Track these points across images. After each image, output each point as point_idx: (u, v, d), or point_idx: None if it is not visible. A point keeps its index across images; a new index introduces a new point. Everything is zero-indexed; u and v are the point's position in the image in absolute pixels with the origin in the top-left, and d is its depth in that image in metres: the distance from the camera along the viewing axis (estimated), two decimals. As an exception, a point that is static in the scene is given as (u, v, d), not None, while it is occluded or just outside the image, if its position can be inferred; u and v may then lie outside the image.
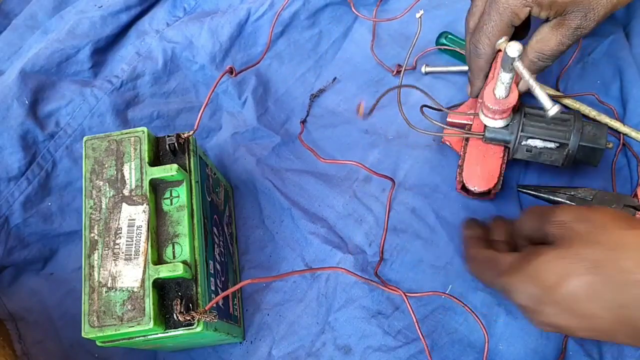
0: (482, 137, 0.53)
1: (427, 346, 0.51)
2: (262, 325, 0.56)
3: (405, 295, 0.52)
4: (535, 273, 0.40)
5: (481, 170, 0.53)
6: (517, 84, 0.51)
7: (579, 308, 0.38)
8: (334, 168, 0.61)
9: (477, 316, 0.52)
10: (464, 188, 0.54)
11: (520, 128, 0.51)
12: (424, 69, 0.64)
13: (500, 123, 0.51)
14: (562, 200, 0.52)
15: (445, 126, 0.54)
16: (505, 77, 0.46)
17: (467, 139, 0.55)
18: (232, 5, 0.68)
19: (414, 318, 0.51)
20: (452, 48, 0.64)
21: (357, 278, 0.55)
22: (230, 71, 0.52)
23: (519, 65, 0.45)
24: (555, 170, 0.58)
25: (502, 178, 0.53)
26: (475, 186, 0.53)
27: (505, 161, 0.53)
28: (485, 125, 0.52)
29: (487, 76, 0.53)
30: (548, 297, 0.39)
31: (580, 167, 0.58)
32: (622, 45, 0.61)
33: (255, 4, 0.66)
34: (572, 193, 0.52)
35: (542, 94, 0.45)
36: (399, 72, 0.64)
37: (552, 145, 0.51)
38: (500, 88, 0.48)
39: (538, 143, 0.51)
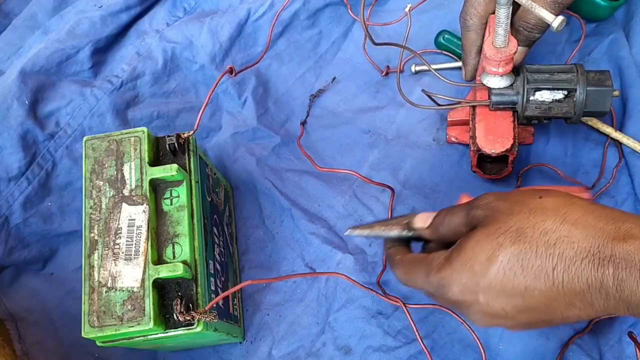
0: (488, 104, 0.52)
1: (426, 349, 0.51)
2: (262, 325, 0.56)
3: (405, 306, 0.52)
4: (466, 258, 0.38)
5: (494, 135, 0.52)
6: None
7: (512, 285, 0.37)
8: (334, 168, 0.61)
9: (470, 328, 0.52)
10: (479, 164, 0.53)
11: (525, 82, 0.50)
12: (413, 69, 0.64)
13: (503, 82, 0.50)
14: (398, 231, 0.45)
15: (451, 98, 0.54)
16: (502, 14, 0.45)
17: (474, 116, 0.54)
18: (232, 5, 0.68)
19: (413, 326, 0.51)
20: (447, 53, 0.64)
21: (358, 275, 0.55)
22: (230, 71, 0.52)
23: None
24: (558, 162, 0.58)
25: (517, 140, 0.52)
26: (492, 149, 0.52)
27: (517, 125, 0.53)
28: (489, 92, 0.52)
29: (479, 52, 0.53)
30: (481, 282, 0.38)
31: (581, 167, 0.58)
32: (622, 45, 0.61)
33: (255, 4, 0.66)
34: (406, 220, 0.45)
35: (542, 11, 0.44)
36: (387, 73, 0.64)
37: (560, 95, 0.50)
38: (499, 32, 0.46)
39: (546, 96, 0.50)
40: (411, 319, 0.51)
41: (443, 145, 0.61)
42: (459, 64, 0.61)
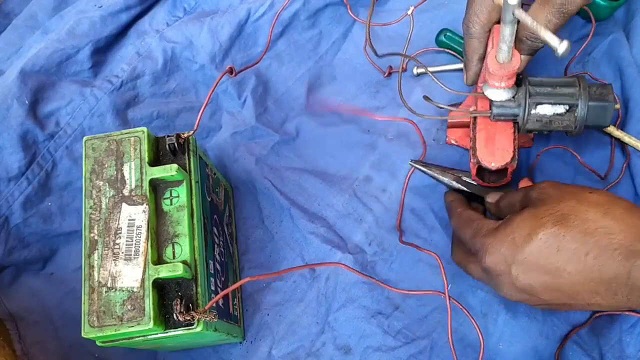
0: (489, 115, 0.52)
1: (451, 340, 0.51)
2: (262, 325, 0.56)
3: (439, 258, 0.53)
4: (511, 231, 0.43)
5: (495, 147, 0.52)
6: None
7: (545, 262, 0.41)
8: (334, 167, 0.61)
9: (471, 316, 0.52)
10: (479, 173, 0.53)
11: (527, 95, 0.50)
12: (415, 71, 0.63)
13: (505, 95, 0.50)
14: (449, 180, 0.57)
15: (452, 108, 0.54)
16: (506, 31, 0.45)
17: (474, 124, 0.54)
18: (232, 5, 0.68)
19: (445, 281, 0.51)
20: (449, 50, 0.64)
21: (357, 276, 0.55)
22: (230, 71, 0.52)
23: (520, 12, 0.44)
24: (560, 167, 0.58)
25: (517, 153, 0.52)
26: (492, 162, 0.51)
27: (517, 136, 0.53)
28: (491, 103, 0.52)
29: (482, 59, 0.53)
30: (517, 255, 0.42)
31: (581, 167, 0.58)
32: (622, 44, 0.61)
33: (255, 4, 0.66)
34: (460, 175, 0.56)
35: (548, 34, 0.43)
36: (389, 74, 0.64)
37: (561, 110, 0.50)
38: (503, 48, 0.46)
39: (547, 110, 0.50)
40: (444, 273, 0.52)
41: (443, 145, 0.61)
42: (462, 65, 0.61)
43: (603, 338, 0.52)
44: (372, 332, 0.54)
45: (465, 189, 0.56)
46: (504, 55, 0.47)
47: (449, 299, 0.52)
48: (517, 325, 0.53)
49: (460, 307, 0.52)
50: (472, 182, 0.56)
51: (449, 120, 0.58)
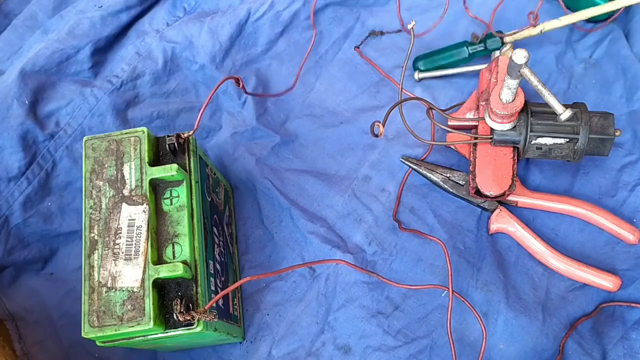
0: (490, 140, 0.52)
1: (451, 338, 0.51)
2: (262, 325, 0.56)
3: (445, 246, 0.52)
4: None
5: (494, 173, 0.52)
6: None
7: None
8: (334, 167, 0.61)
9: (472, 307, 0.52)
10: (478, 193, 0.54)
11: (529, 128, 0.50)
12: (416, 76, 0.63)
13: (507, 126, 0.51)
14: (437, 179, 0.58)
15: (453, 131, 0.54)
16: (512, 83, 0.46)
17: (475, 145, 0.54)
18: (232, 5, 0.68)
19: (447, 256, 0.51)
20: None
21: (357, 276, 0.55)
22: (237, 82, 0.52)
23: (526, 71, 0.45)
24: (561, 166, 0.58)
25: (515, 179, 0.53)
26: (491, 191, 0.52)
27: (516, 161, 0.53)
28: (492, 131, 0.52)
29: None
30: None
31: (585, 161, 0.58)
32: (622, 44, 0.61)
33: (255, 4, 0.66)
34: (448, 175, 0.57)
35: (552, 99, 0.45)
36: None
37: (561, 140, 0.51)
38: (507, 93, 0.47)
39: (548, 140, 0.51)
40: (449, 259, 0.51)
41: (443, 146, 0.61)
42: (463, 69, 0.62)
43: (606, 337, 0.52)
44: (372, 331, 0.54)
45: (452, 190, 0.57)
46: (507, 98, 0.48)
47: (452, 292, 0.52)
48: (517, 325, 0.53)
49: (462, 299, 0.52)
50: (461, 183, 0.56)
51: (449, 123, 0.58)
